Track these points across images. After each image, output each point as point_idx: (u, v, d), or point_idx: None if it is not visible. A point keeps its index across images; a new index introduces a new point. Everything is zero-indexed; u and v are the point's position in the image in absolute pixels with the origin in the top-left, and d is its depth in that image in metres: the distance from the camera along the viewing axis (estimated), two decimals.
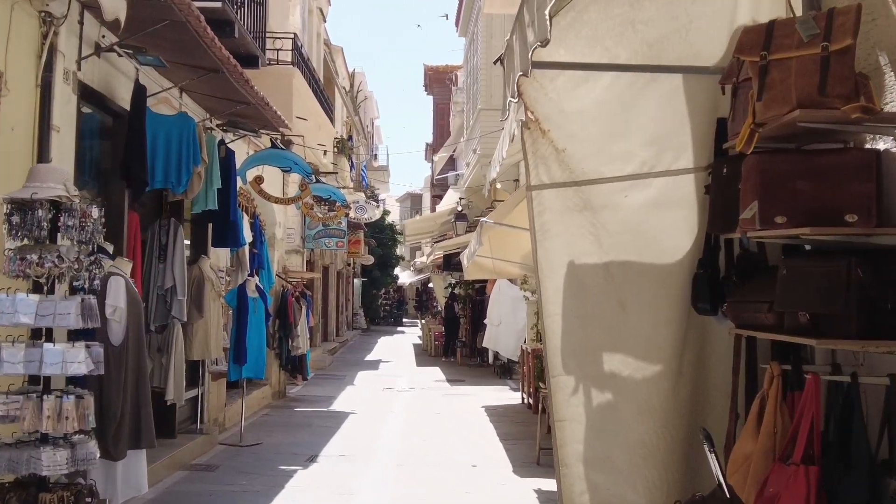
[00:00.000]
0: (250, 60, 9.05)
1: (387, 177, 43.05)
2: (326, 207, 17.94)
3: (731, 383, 3.79)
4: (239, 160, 9.67)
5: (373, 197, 39.73)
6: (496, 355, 17.67)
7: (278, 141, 9.79)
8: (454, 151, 30.54)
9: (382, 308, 46.53)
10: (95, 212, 4.59)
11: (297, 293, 13.40)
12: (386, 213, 41.65)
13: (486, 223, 9.25)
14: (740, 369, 3.74)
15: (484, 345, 17.55)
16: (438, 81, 37.88)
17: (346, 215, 21.04)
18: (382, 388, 15.31)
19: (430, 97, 41.12)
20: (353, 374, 17.81)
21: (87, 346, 4.42)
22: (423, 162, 57.59)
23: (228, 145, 9.05)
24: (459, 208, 21.71)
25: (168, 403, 7.99)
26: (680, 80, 3.92)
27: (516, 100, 3.89)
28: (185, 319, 8.07)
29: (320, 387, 15.23)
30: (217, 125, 9.11)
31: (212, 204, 8.08)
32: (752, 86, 3.19)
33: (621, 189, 4.03)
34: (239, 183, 9.75)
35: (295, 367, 13.56)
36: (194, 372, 8.99)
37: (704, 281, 3.87)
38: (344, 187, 23.06)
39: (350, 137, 23.77)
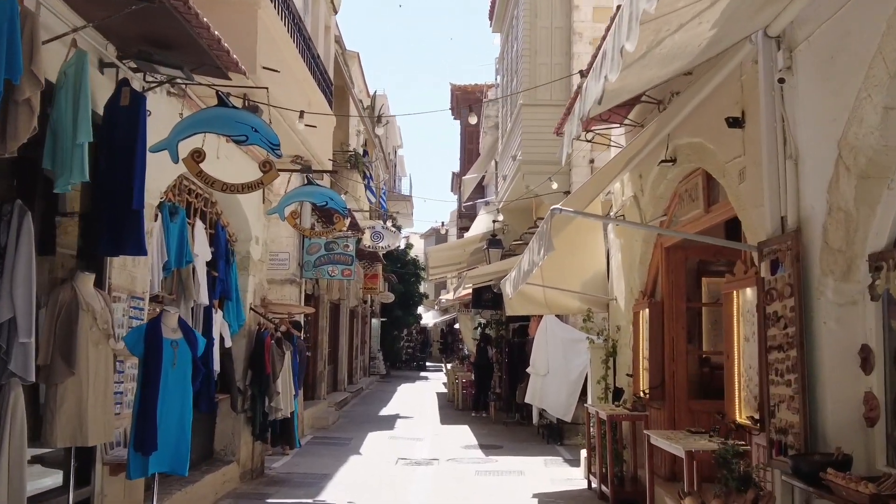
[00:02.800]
0: None
1: (410, 208, 39.60)
2: (322, 223, 14.51)
3: None
4: (169, 125, 6.23)
5: (393, 226, 36.36)
6: (542, 413, 13.96)
7: (230, 98, 6.32)
8: (484, 175, 27.10)
9: (404, 351, 42.85)
10: None
11: (280, 334, 9.84)
12: (409, 246, 38.23)
13: (562, 213, 5.60)
14: None
15: (527, 401, 13.86)
16: (467, 102, 34.62)
17: (358, 238, 17.57)
18: (396, 460, 11.61)
19: (458, 122, 37.91)
20: (361, 435, 14.13)
21: None
22: (450, 194, 54.23)
23: (145, 96, 5.63)
24: (493, 233, 18.18)
25: None
26: None
27: None
28: (31, 378, 4.54)
29: (315, 457, 11.58)
30: (119, 57, 5.67)
31: (78, 173, 4.59)
32: None
33: None
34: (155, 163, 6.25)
35: (276, 434, 9.95)
36: (77, 461, 5.41)
37: None
38: (358, 210, 19.65)
39: (365, 153, 20.44)
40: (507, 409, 17.75)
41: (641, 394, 8.72)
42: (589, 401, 10.45)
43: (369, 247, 21.20)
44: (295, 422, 10.13)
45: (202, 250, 8.28)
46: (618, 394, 9.39)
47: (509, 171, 15.39)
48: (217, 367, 8.65)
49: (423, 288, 39.48)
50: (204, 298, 8.18)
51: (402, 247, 37.01)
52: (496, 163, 20.55)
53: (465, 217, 33.37)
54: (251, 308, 9.74)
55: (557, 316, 13.77)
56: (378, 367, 32.71)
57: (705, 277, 9.03)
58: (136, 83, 6.02)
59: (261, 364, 9.35)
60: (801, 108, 4.69)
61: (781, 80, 4.81)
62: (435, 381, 30.90)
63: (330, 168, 10.21)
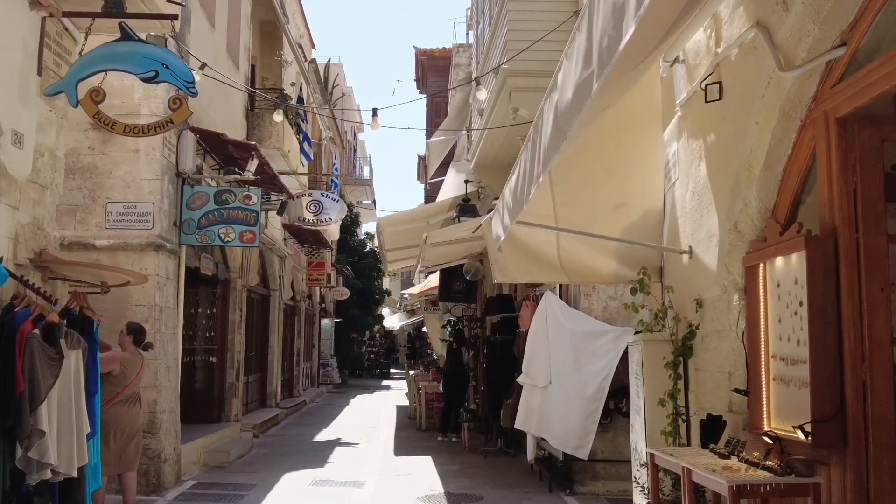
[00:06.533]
0: None
1: (370, 193, 34.92)
2: (218, 166, 9.95)
3: None
4: None
5: (352, 218, 31.68)
6: (540, 442, 9.42)
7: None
8: (455, 145, 22.45)
9: (366, 357, 38.06)
10: None
11: (56, 319, 5.16)
12: (369, 237, 33.54)
13: None
14: None
15: (518, 426, 9.31)
16: (433, 69, 30.16)
17: (284, 201, 12.92)
18: None
19: (424, 96, 33.34)
20: (271, 479, 9.47)
21: None
22: (416, 183, 49.68)
23: None
24: (465, 197, 13.67)
25: None
26: None
27: None
28: None
29: None
30: None
31: None
32: None
33: None
34: None
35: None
36: None
37: None
38: (290, 173, 14.95)
39: (301, 100, 15.78)
40: (486, 432, 13.19)
41: (776, 430, 4.21)
42: (638, 438, 5.88)
43: (308, 222, 16.58)
44: (89, 483, 5.45)
45: None
46: (711, 428, 4.84)
47: (490, 92, 10.82)
48: None
49: (386, 283, 34.81)
50: None
51: (344, 215, 32.40)
52: (468, 134, 16.01)
53: (433, 201, 28.78)
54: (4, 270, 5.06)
55: (564, 295, 9.28)
56: (331, 375, 27.94)
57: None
58: None
59: (6, 375, 4.68)
60: None
61: None
62: (398, 392, 26.21)
63: (170, 14, 5.61)
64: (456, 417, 13.50)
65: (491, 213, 5.98)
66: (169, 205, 9.11)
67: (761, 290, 4.55)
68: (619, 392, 8.37)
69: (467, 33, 25.52)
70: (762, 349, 4.52)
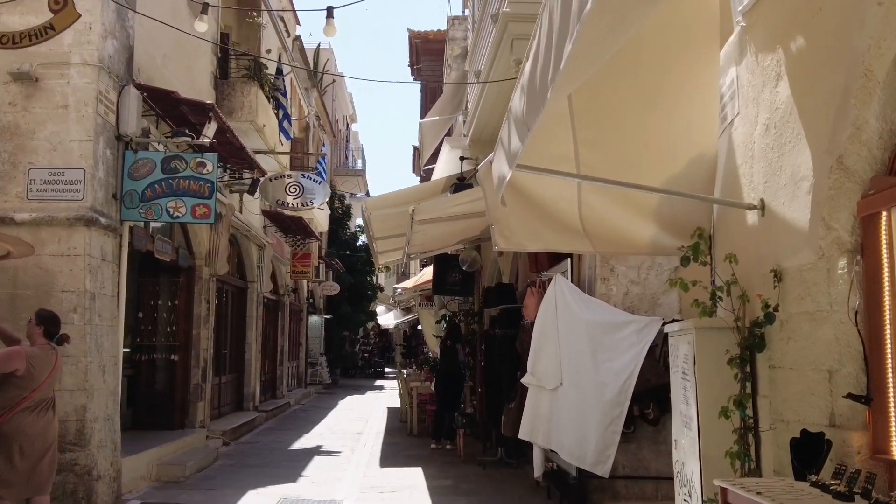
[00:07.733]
0: None
1: (363, 185, 33.45)
2: (164, 123, 8.53)
3: None
4: None
5: (343, 210, 30.25)
6: (549, 454, 7.99)
7: None
8: (451, 128, 20.98)
9: (360, 356, 36.59)
10: None
11: None
12: (361, 230, 32.07)
13: None
14: None
15: (522, 436, 7.88)
16: (428, 52, 28.67)
17: (255, 179, 11.48)
18: None
19: (419, 83, 31.89)
20: (232, 497, 8.02)
21: None
22: (411, 175, 48.24)
23: None
24: (461, 176, 12.22)
25: None
26: None
27: None
28: None
29: None
30: None
31: None
32: None
33: None
34: None
35: None
36: None
37: None
38: (260, 152, 13.37)
39: (280, 72, 14.31)
40: (484, 438, 11.74)
41: None
42: (685, 458, 4.41)
43: (289, 205, 15.13)
44: None
45: None
46: (807, 449, 3.40)
47: (489, 44, 9.38)
48: None
49: (381, 279, 33.35)
50: None
51: (355, 228, 30.98)
52: (464, 112, 14.58)
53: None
54: None
55: (576, 279, 7.84)
56: (320, 375, 26.47)
57: None
58: None
59: None
60: None
61: None
62: (391, 392, 24.78)
63: None
64: (450, 422, 12.05)
65: (491, 155, 4.53)
66: (106, 173, 7.65)
67: (885, 250, 3.12)
68: (644, 395, 6.96)
69: (463, 10, 24.15)
70: (888, 337, 3.09)
